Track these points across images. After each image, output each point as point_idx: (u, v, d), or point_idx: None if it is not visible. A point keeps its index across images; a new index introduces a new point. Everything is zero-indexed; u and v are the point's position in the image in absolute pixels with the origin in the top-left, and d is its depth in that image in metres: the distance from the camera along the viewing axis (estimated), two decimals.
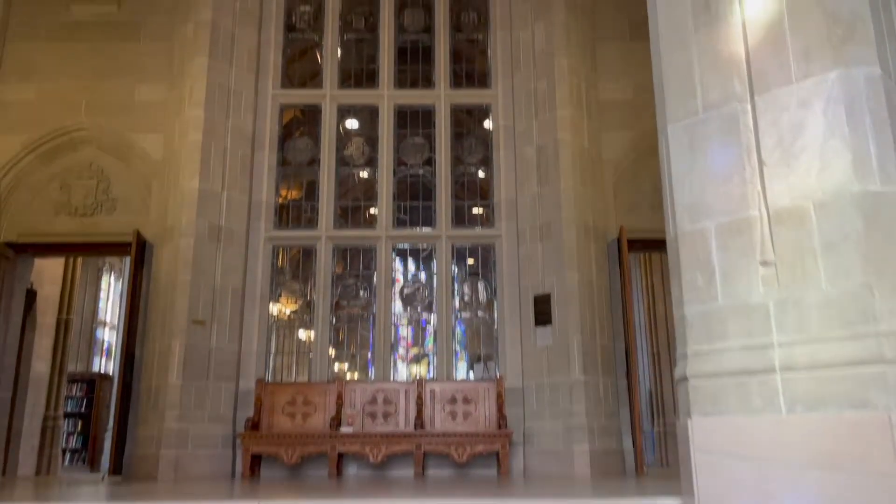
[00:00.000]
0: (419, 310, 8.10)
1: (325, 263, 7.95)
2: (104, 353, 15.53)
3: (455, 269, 8.01)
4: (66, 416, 13.64)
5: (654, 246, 8.68)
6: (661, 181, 2.95)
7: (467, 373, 8.22)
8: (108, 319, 15.50)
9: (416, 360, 8.94)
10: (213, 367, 7.30)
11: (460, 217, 8.22)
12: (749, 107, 2.57)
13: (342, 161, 8.38)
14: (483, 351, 8.20)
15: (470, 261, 8.10)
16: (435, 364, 7.82)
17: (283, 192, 8.40)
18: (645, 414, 10.70)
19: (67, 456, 13.67)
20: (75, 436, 13.94)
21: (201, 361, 7.23)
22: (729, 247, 2.57)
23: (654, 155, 8.37)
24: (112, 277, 15.61)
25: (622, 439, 7.25)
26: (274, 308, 7.99)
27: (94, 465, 13.12)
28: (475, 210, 8.31)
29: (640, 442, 7.16)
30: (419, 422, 7.12)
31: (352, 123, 8.69)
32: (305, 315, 8.07)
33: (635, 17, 8.45)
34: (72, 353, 14.02)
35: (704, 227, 2.64)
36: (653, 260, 12.43)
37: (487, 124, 8.42)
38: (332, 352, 7.94)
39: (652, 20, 2.96)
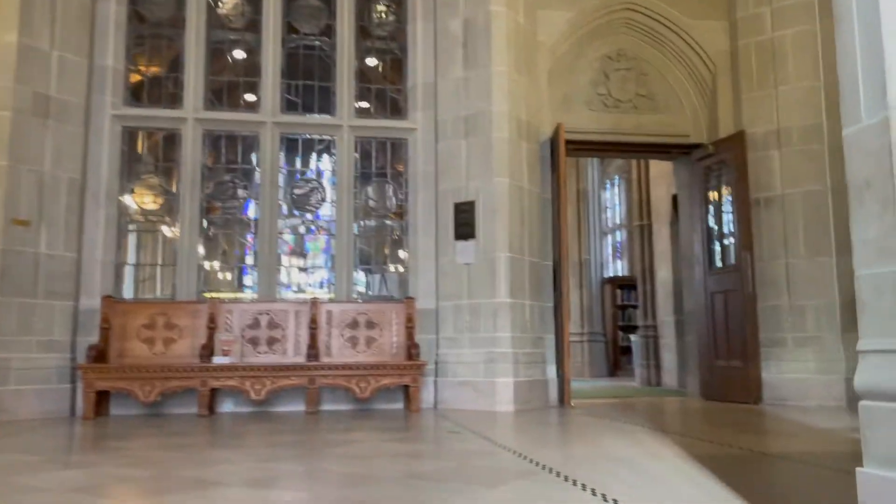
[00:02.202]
0: (312, 215, 6.70)
1: (192, 152, 6.30)
2: None
3: (358, 166, 6.60)
4: None
5: (591, 149, 7.69)
6: (839, 35, 1.73)
7: (366, 289, 6.98)
8: None
9: (308, 275, 7.61)
10: (42, 280, 5.64)
11: (366, 103, 6.74)
12: None
13: (215, 22, 6.60)
14: (390, 265, 6.99)
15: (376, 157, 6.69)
16: (332, 281, 6.52)
17: (137, 59, 6.54)
18: None
19: None
20: None
21: (26, 273, 5.55)
22: None
23: (594, 41, 7.22)
24: None
25: (546, 368, 6.38)
26: (126, 208, 6.31)
27: None
28: (385, 95, 6.84)
29: (568, 371, 6.31)
30: (313, 351, 5.87)
31: None
32: (168, 218, 6.46)
33: None
34: None
35: None
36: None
37: None
38: (202, 264, 6.42)
39: None
